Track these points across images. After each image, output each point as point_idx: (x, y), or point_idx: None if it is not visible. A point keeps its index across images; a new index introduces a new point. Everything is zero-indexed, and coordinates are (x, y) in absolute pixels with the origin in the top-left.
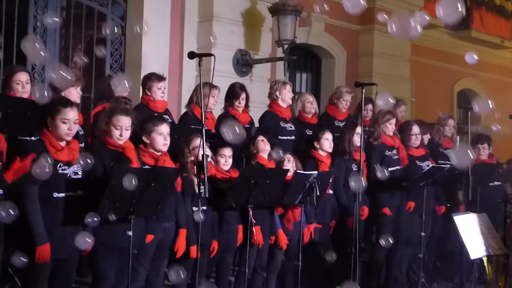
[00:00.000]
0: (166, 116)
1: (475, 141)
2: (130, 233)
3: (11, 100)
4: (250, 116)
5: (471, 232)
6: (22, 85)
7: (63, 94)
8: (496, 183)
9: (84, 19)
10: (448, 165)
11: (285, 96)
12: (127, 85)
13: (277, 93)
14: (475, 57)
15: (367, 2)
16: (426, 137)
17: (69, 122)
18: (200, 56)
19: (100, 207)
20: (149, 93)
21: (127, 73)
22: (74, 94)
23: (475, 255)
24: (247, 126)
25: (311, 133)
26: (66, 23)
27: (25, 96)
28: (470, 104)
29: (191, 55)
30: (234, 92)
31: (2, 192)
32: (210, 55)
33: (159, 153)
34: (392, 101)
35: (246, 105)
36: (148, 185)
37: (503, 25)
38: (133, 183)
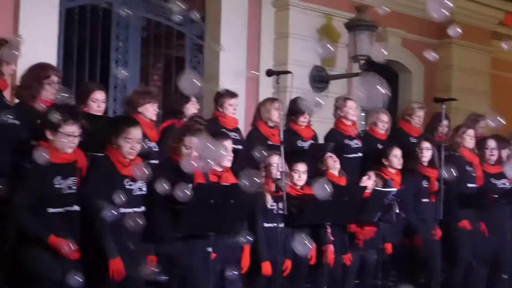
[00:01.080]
0: (233, 134)
1: None
2: (210, 249)
3: (88, 117)
4: (313, 130)
5: None
6: (98, 103)
7: (139, 110)
8: None
9: (164, 38)
10: None
11: (347, 113)
12: (198, 84)
13: (339, 111)
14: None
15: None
16: (505, 153)
17: (132, 141)
18: (278, 73)
19: (179, 224)
20: (220, 109)
21: (206, 91)
22: (151, 110)
23: None
24: (310, 141)
25: (382, 148)
26: (147, 42)
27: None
28: None
29: (269, 72)
30: (298, 107)
31: (79, 209)
32: (287, 72)
33: (221, 169)
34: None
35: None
36: (224, 201)
37: None
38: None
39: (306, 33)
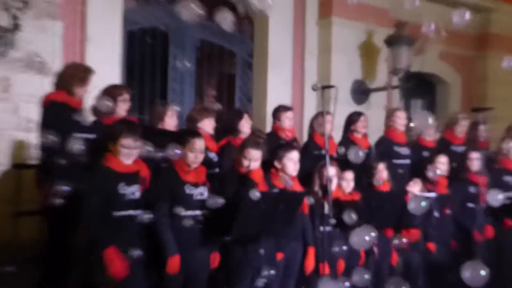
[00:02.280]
0: (294, 144)
1: None
2: (262, 251)
3: (162, 133)
4: (369, 142)
5: None
6: (173, 120)
7: (199, 125)
8: None
9: (216, 57)
10: None
11: (396, 123)
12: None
13: (390, 120)
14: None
15: (481, 28)
16: None
17: (196, 151)
18: (323, 88)
19: (234, 228)
20: (278, 122)
21: (254, 105)
22: (208, 125)
23: None
24: (367, 151)
25: (429, 156)
26: (201, 61)
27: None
28: None
29: (315, 87)
30: (353, 119)
31: (141, 213)
32: (332, 86)
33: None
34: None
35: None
36: (276, 207)
37: None
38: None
39: (347, 49)
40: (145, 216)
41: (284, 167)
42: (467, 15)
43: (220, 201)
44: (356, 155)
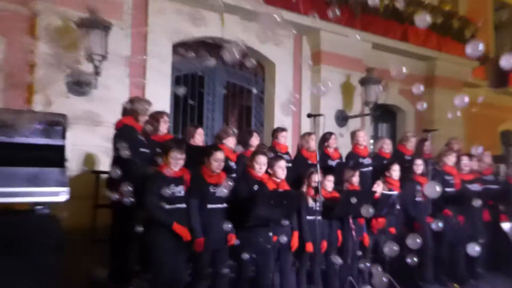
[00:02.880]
0: (285, 156)
1: None
2: (271, 233)
3: (193, 147)
4: (340, 153)
5: None
6: (201, 137)
7: (224, 142)
8: None
9: (238, 93)
10: (497, 187)
11: (359, 141)
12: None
13: (354, 139)
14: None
15: (428, 71)
16: (475, 165)
17: (219, 161)
18: (315, 116)
19: (251, 217)
20: (276, 140)
21: (265, 128)
22: (231, 141)
23: None
24: (337, 160)
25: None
26: (227, 97)
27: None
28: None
29: (309, 115)
30: (326, 137)
31: (185, 206)
32: (321, 115)
33: (279, 180)
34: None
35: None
36: (281, 202)
37: None
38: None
39: (332, 87)
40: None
41: (275, 172)
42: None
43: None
44: None
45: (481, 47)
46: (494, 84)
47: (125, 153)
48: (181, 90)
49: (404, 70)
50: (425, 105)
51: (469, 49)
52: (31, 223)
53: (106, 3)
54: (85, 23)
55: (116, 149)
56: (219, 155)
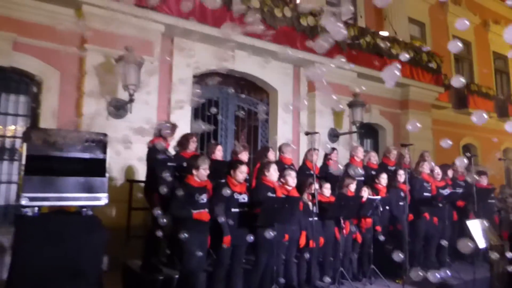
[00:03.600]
0: (292, 167)
1: (478, 175)
2: (275, 233)
3: (214, 161)
4: (339, 166)
5: (478, 231)
6: (220, 153)
7: (239, 156)
8: (491, 200)
9: (247, 115)
10: (461, 191)
11: (359, 154)
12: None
13: (353, 152)
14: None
15: (402, 96)
16: (450, 173)
17: (242, 173)
18: (312, 133)
19: (259, 219)
20: (282, 154)
21: (270, 144)
22: (245, 156)
23: (482, 245)
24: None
25: (374, 174)
26: (238, 118)
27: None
28: (470, 153)
29: (307, 133)
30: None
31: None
32: (316, 133)
33: (290, 187)
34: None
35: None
36: (283, 206)
37: (489, 104)
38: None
39: (325, 110)
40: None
41: (286, 181)
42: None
43: None
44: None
45: (462, 80)
46: (456, 106)
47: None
48: (214, 110)
49: (418, 125)
50: (449, 141)
51: (453, 81)
52: (78, 222)
53: (140, 42)
54: (123, 59)
55: (148, 163)
56: (243, 168)
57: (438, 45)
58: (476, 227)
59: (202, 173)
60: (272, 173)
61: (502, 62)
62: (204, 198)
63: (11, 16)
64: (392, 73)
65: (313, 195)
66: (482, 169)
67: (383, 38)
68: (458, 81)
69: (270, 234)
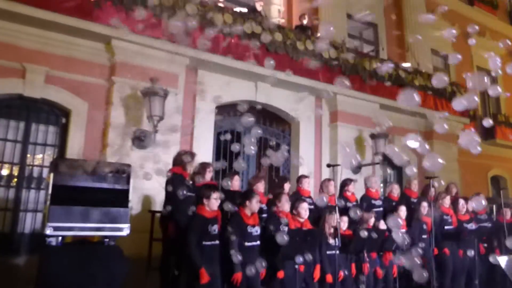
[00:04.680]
0: (308, 199)
1: (505, 206)
2: (297, 266)
3: (227, 191)
4: (356, 197)
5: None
6: (238, 183)
7: (254, 187)
8: None
9: (268, 146)
10: (489, 225)
11: (373, 184)
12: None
13: (368, 183)
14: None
15: (426, 127)
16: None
17: (257, 203)
18: (334, 166)
19: (281, 252)
20: (300, 185)
21: (292, 175)
22: (261, 187)
23: None
24: (354, 203)
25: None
26: (259, 148)
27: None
28: (500, 185)
29: (328, 165)
30: (346, 183)
31: (218, 243)
32: (338, 165)
33: (302, 220)
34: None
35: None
36: (305, 239)
37: None
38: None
39: (348, 141)
40: None
41: (298, 212)
42: None
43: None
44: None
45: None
46: (483, 137)
47: (180, 195)
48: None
49: (440, 161)
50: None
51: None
52: (100, 252)
53: (165, 74)
54: (148, 91)
55: (167, 192)
56: (257, 198)
57: (462, 76)
58: (507, 263)
59: (213, 202)
60: (284, 204)
61: None
62: (215, 229)
63: (44, 51)
64: (410, 96)
65: (335, 228)
66: (510, 202)
67: (405, 70)
68: (441, 79)
69: (294, 267)
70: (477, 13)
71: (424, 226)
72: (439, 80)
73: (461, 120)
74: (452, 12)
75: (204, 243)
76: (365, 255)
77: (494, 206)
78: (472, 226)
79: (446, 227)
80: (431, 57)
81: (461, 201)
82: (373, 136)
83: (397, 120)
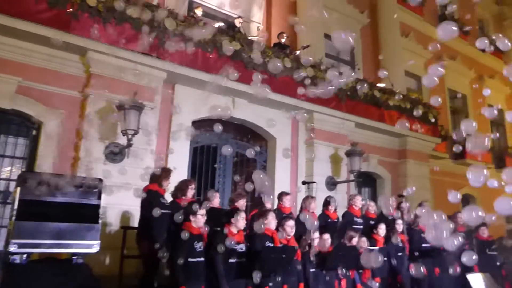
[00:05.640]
0: (291, 216)
1: (479, 226)
2: (271, 284)
3: (213, 210)
4: (337, 214)
5: (481, 285)
6: (218, 200)
7: (236, 204)
8: (492, 252)
9: (245, 162)
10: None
11: (357, 202)
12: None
13: (351, 201)
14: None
15: (400, 146)
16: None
17: (243, 220)
18: (309, 183)
19: (257, 268)
20: (281, 203)
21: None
22: (242, 204)
23: None
24: (335, 220)
25: (373, 223)
26: (235, 164)
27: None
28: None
29: (303, 182)
30: (328, 201)
31: (204, 260)
32: (314, 182)
33: (289, 237)
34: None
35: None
36: (282, 256)
37: (486, 155)
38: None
39: (323, 159)
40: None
41: (284, 230)
42: None
43: None
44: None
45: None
46: (453, 157)
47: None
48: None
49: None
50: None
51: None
52: (68, 270)
53: (141, 88)
54: (123, 104)
55: (142, 210)
56: (242, 216)
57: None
58: (478, 281)
59: (199, 219)
60: (271, 221)
61: (498, 114)
62: (201, 246)
63: (16, 60)
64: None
65: (309, 245)
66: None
67: (380, 90)
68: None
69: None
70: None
71: (400, 244)
72: (429, 81)
73: (433, 140)
74: (424, 36)
75: (189, 259)
76: (342, 271)
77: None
78: None
79: (423, 245)
80: (405, 78)
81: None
82: (348, 154)
83: (372, 139)
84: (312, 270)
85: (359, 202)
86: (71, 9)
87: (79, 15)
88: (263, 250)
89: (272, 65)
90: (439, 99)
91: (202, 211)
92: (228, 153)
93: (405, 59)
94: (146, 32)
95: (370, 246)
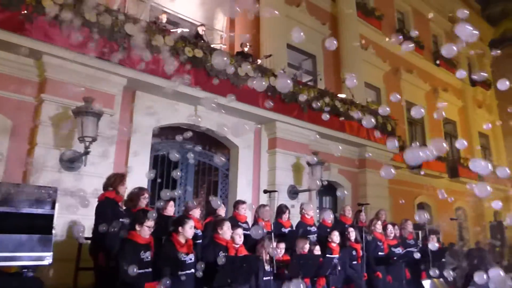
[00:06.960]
0: (244, 225)
1: (430, 234)
2: None
3: (164, 217)
4: (291, 222)
5: None
6: (172, 208)
7: (190, 213)
8: (444, 259)
9: (207, 170)
10: (415, 250)
11: (309, 211)
12: (220, 204)
13: (304, 210)
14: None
15: (360, 155)
16: (397, 232)
17: (191, 229)
18: (270, 191)
19: (216, 279)
20: (237, 211)
21: (229, 200)
22: (197, 212)
23: None
24: (289, 228)
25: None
26: (197, 173)
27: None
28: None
29: (265, 191)
30: (282, 210)
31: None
32: (275, 191)
33: (237, 245)
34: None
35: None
36: (241, 265)
37: (441, 165)
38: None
39: (285, 167)
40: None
41: (233, 239)
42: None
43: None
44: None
45: (396, 143)
46: (410, 167)
47: (103, 229)
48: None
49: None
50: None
51: (388, 144)
52: (18, 285)
53: (100, 94)
54: (80, 111)
55: (97, 218)
56: (192, 223)
57: (392, 109)
58: (431, 286)
59: (145, 230)
60: (226, 231)
61: (451, 126)
62: (148, 256)
63: None
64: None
65: (270, 253)
66: (435, 229)
67: (341, 100)
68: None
69: None
70: (407, 52)
71: (354, 253)
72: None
73: (391, 150)
74: (382, 49)
75: (137, 270)
76: (300, 280)
77: (420, 232)
78: (399, 250)
79: (379, 253)
80: (364, 89)
81: (390, 227)
82: (309, 164)
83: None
84: (265, 278)
85: (310, 210)
86: (25, 11)
87: (33, 17)
88: (224, 259)
89: (216, 60)
90: (397, 95)
91: (151, 223)
92: (176, 159)
93: (364, 71)
94: (106, 37)
95: (327, 254)
